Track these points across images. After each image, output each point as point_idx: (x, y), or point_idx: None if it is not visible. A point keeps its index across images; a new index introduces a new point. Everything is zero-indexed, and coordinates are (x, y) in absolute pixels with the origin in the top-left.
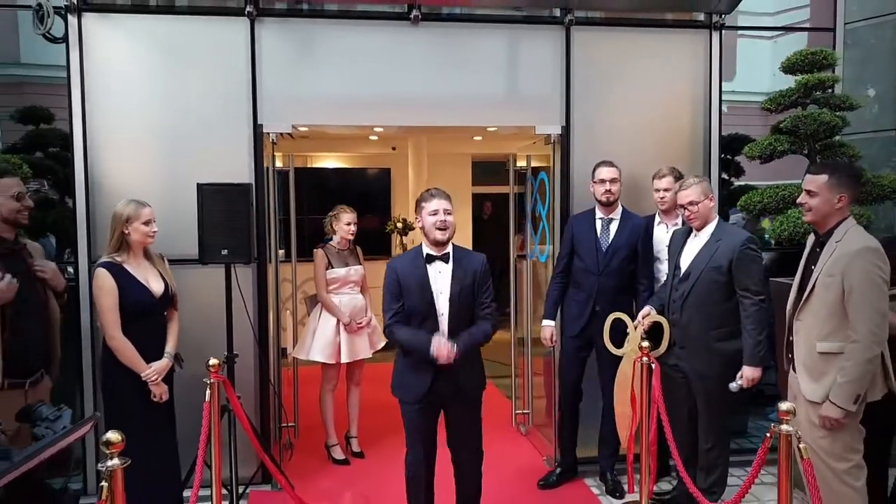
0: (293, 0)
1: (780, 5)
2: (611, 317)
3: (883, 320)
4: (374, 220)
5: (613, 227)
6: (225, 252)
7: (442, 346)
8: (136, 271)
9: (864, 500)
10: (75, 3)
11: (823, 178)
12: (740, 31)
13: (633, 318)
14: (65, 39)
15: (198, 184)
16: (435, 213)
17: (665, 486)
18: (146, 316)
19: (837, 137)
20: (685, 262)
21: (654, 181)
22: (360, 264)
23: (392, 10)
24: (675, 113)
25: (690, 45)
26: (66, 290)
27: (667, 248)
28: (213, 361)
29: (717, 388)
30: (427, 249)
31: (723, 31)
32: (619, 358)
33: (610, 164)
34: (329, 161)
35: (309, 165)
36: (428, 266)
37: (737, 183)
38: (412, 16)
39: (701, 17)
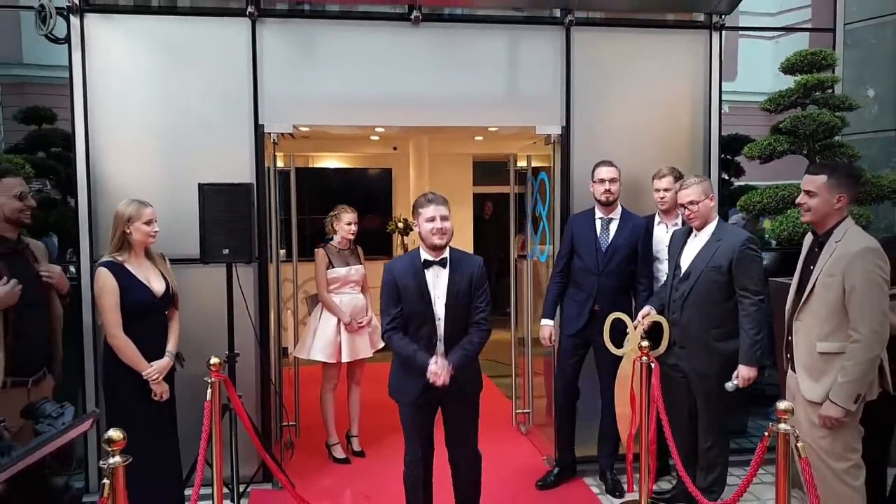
0: (294, 1)
1: (781, 5)
2: (611, 317)
3: (884, 320)
4: (375, 220)
5: (613, 226)
6: (226, 252)
7: (438, 372)
8: (138, 271)
9: (863, 500)
10: (77, 3)
11: (822, 178)
12: (741, 32)
13: (633, 317)
14: (67, 40)
15: (199, 184)
16: (432, 219)
17: (665, 485)
18: (147, 315)
19: (837, 138)
20: (685, 261)
21: (654, 181)
22: (361, 264)
23: (393, 11)
24: (676, 113)
25: (690, 46)
26: (70, 292)
27: (667, 248)
28: (214, 360)
29: (716, 387)
30: (425, 255)
31: (723, 32)
32: (618, 357)
33: (609, 163)
34: (330, 161)
35: (310, 165)
36: (426, 271)
37: (737, 183)
38: (413, 16)
39: (701, 17)
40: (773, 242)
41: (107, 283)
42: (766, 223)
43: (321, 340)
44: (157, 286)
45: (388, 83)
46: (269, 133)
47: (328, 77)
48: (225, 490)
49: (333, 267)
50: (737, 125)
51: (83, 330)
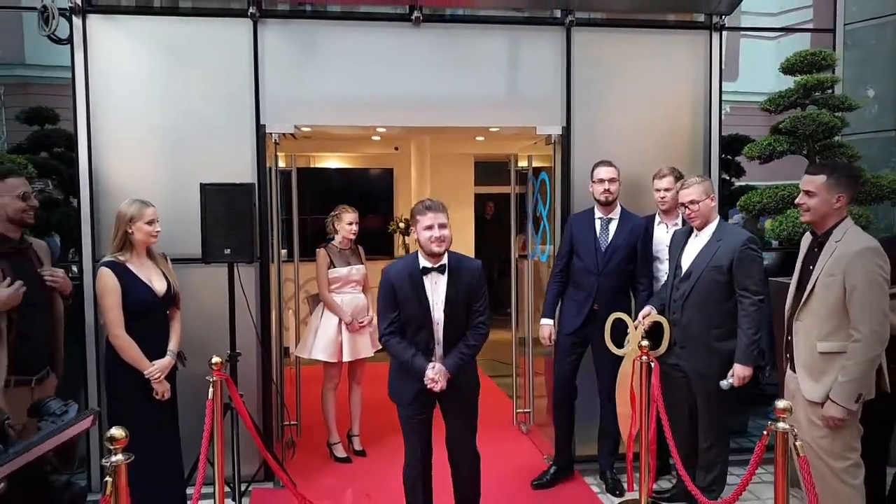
0: (296, 1)
1: (782, 6)
2: (612, 317)
3: (885, 319)
4: (376, 220)
5: (613, 226)
6: (228, 251)
7: (435, 378)
8: (139, 270)
9: (862, 498)
10: (80, 4)
11: (821, 178)
12: (743, 32)
13: (632, 317)
14: (69, 41)
15: (201, 184)
16: (430, 227)
17: (665, 484)
18: (149, 314)
19: (837, 138)
20: (686, 261)
21: (654, 181)
22: (362, 264)
23: (394, 12)
24: (676, 113)
25: (691, 46)
26: (73, 293)
27: (667, 248)
28: (215, 360)
29: (717, 387)
30: (423, 261)
31: (723, 32)
32: (617, 357)
33: (608, 163)
34: (332, 161)
35: (312, 165)
36: (424, 277)
37: (738, 183)
38: (414, 17)
39: (701, 18)
40: (776, 242)
41: (109, 282)
42: (768, 223)
43: (322, 340)
44: (159, 286)
45: (389, 83)
46: (271, 133)
47: (329, 77)
48: (226, 489)
49: (335, 267)
50: (739, 125)
51: (85, 329)
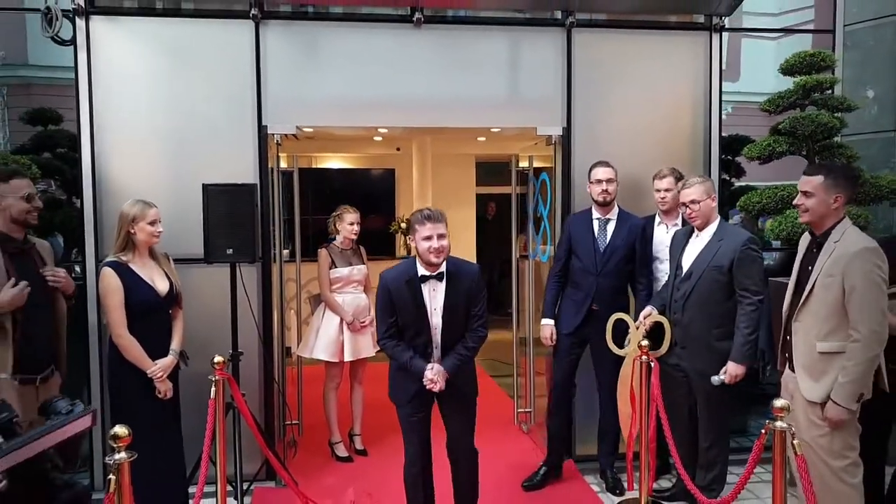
0: (297, 3)
1: (783, 6)
2: (613, 317)
3: (883, 319)
4: (378, 220)
5: (611, 227)
6: (230, 252)
7: (434, 379)
8: (142, 270)
9: (861, 497)
10: (83, 6)
11: (819, 178)
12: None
13: (632, 317)
14: (73, 42)
15: (203, 184)
16: (429, 238)
17: (665, 483)
18: (151, 314)
19: (837, 138)
20: (687, 261)
21: (654, 181)
22: (364, 264)
23: (395, 13)
24: (676, 114)
25: (691, 47)
26: (76, 293)
27: (667, 249)
28: (218, 359)
29: (717, 387)
30: (421, 270)
31: (723, 33)
32: (617, 356)
33: (606, 164)
34: (333, 161)
35: (313, 166)
36: (422, 285)
37: (738, 183)
38: (415, 18)
39: (701, 19)
40: (778, 242)
41: (111, 282)
42: (768, 224)
43: (324, 339)
44: (161, 286)
45: (390, 84)
46: (273, 134)
47: (331, 78)
48: (228, 488)
49: (336, 267)
50: (740, 126)
51: (88, 329)
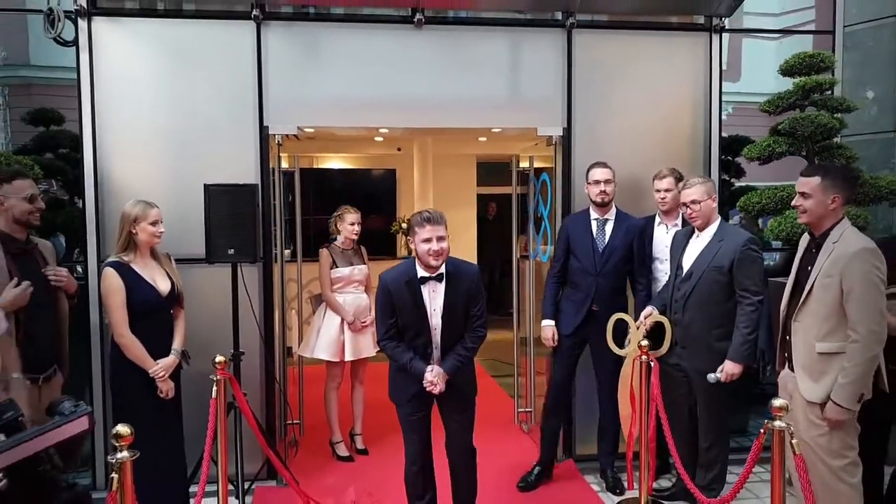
0: (298, 4)
1: (783, 6)
2: (613, 317)
3: (882, 319)
4: (379, 220)
5: (609, 227)
6: (231, 252)
7: (434, 381)
8: (143, 270)
9: (860, 497)
10: (85, 7)
11: (816, 179)
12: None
13: (632, 317)
14: (75, 43)
15: (205, 184)
16: (428, 240)
17: (665, 482)
18: (153, 314)
19: (836, 139)
20: (687, 262)
21: (654, 182)
22: (365, 264)
23: (396, 14)
24: (676, 115)
25: (691, 48)
26: (78, 292)
27: (667, 249)
28: (219, 359)
29: (717, 387)
30: (421, 271)
31: (723, 34)
32: (617, 356)
33: (603, 164)
34: (334, 162)
35: (314, 166)
36: (422, 286)
37: (738, 184)
38: (416, 19)
39: (701, 20)
40: (779, 243)
41: (113, 282)
42: (769, 224)
43: (325, 339)
44: (163, 286)
45: (391, 85)
46: (274, 134)
47: (332, 79)
48: (230, 487)
49: (337, 267)
50: (740, 126)
51: (90, 329)
